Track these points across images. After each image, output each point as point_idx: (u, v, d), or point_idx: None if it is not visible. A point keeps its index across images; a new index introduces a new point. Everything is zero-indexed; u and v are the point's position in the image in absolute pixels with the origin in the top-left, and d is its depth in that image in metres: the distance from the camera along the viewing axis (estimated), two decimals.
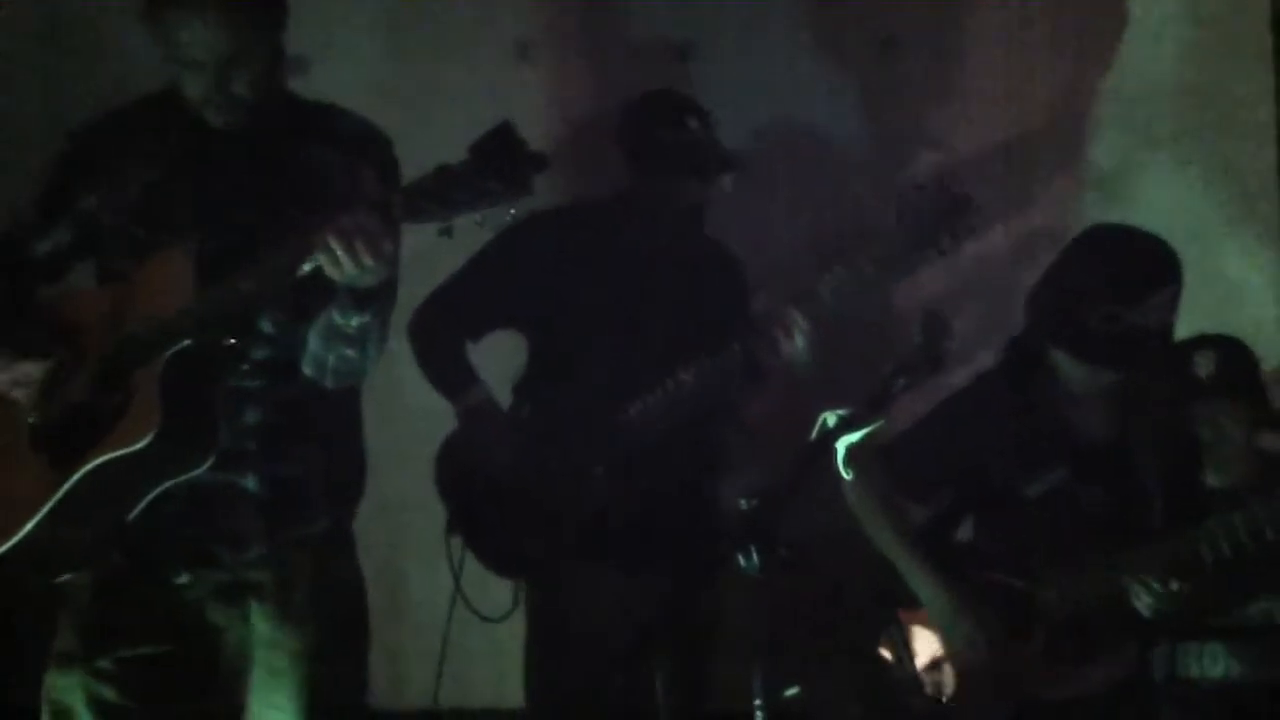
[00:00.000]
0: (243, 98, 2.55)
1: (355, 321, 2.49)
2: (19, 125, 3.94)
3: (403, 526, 3.91)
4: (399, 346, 3.53)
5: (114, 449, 2.47)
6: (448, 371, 3.54)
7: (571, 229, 3.58)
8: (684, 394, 3.33)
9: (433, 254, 3.57)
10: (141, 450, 2.45)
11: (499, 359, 3.60)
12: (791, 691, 3.01)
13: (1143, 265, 3.03)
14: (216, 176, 2.60)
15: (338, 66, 3.79)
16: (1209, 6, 3.94)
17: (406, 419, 3.72)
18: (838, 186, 4.04)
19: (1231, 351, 3.38)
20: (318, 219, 2.41)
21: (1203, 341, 3.34)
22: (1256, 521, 2.83)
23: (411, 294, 3.44)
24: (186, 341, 2.47)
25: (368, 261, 2.35)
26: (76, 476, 2.49)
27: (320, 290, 2.47)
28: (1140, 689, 3.11)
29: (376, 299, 2.46)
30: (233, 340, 2.52)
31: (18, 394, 2.56)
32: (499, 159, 2.31)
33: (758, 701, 2.46)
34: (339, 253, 2.35)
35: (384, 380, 3.47)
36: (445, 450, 3.56)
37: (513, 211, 2.36)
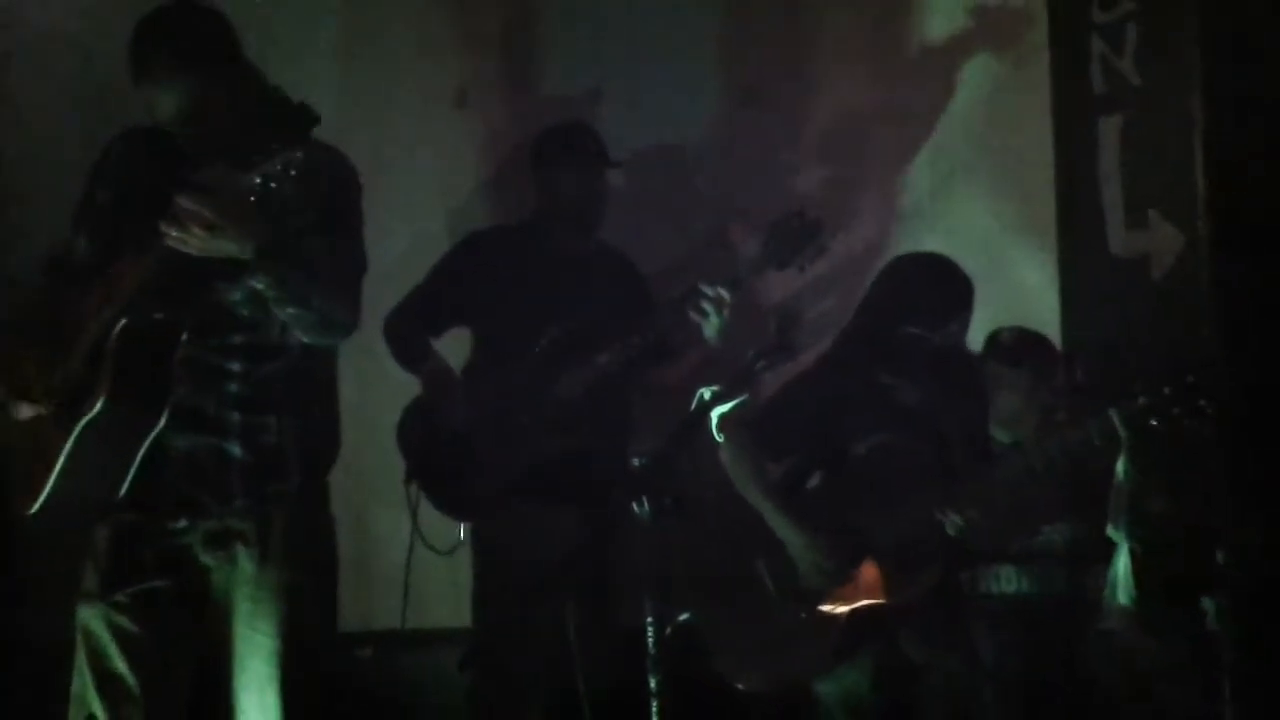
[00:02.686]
0: (208, 146, 2.48)
1: (260, 284, 2.43)
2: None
3: (370, 479, 3.87)
4: (373, 338, 3.56)
5: (84, 416, 2.43)
6: (412, 355, 3.56)
7: (502, 244, 3.62)
8: (601, 369, 3.34)
9: (405, 268, 3.66)
10: (101, 414, 2.40)
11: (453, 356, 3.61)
12: (683, 617, 3.02)
13: (942, 296, 3.12)
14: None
15: None
16: (1002, 67, 3.99)
17: (377, 396, 3.69)
18: (713, 202, 4.06)
19: (1027, 334, 3.46)
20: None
21: (1009, 328, 3.44)
22: (1031, 463, 2.91)
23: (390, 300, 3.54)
24: (124, 320, 2.42)
25: (199, 232, 2.32)
26: (70, 440, 2.44)
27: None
28: (952, 602, 3.17)
29: (262, 263, 2.39)
30: (159, 315, 2.44)
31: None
32: (278, 121, 2.27)
33: (649, 619, 2.47)
34: (173, 233, 2.33)
35: (363, 363, 3.50)
36: (406, 413, 3.57)
37: (294, 171, 2.29)
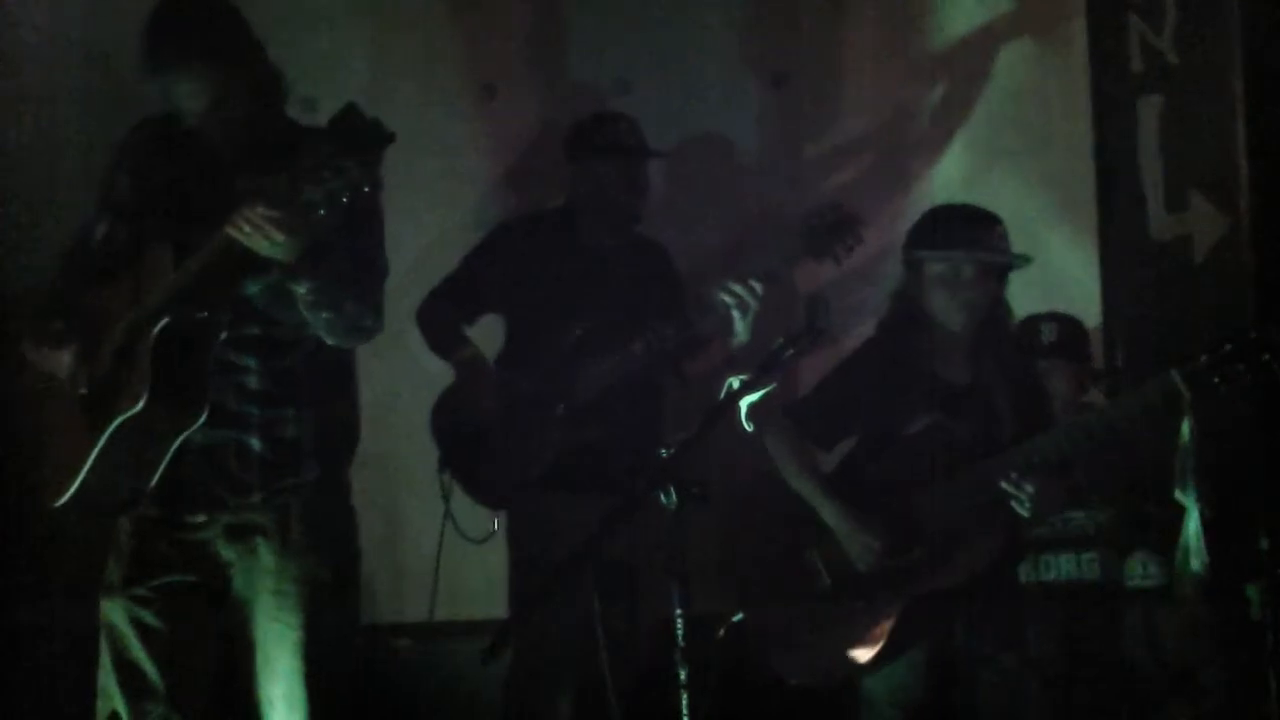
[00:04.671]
0: (228, 131, 2.49)
1: (303, 288, 2.42)
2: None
3: (403, 471, 3.86)
4: (404, 332, 3.54)
5: (122, 412, 2.42)
6: (446, 342, 3.53)
7: (535, 232, 3.58)
8: (632, 358, 3.31)
9: (435, 259, 3.66)
10: (141, 411, 2.39)
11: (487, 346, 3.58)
12: (737, 618, 2.94)
13: (974, 214, 3.10)
14: (216, 181, 2.51)
15: (339, 106, 3.72)
16: (1038, 48, 3.91)
17: (409, 389, 3.68)
18: (742, 191, 4.01)
19: (1069, 325, 3.41)
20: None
21: (1049, 316, 3.44)
22: (1065, 443, 2.83)
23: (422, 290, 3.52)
24: (165, 319, 2.41)
25: (276, 235, 2.31)
26: (104, 437, 2.43)
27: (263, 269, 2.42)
28: (1009, 596, 3.08)
29: (305, 268, 2.39)
30: (204, 314, 2.43)
31: (56, 370, 2.51)
32: (352, 138, 2.24)
33: (678, 611, 2.41)
34: (246, 229, 2.32)
35: (394, 354, 3.48)
36: (439, 402, 3.55)
37: (366, 189, 2.27)
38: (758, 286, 3.17)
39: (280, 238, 2.31)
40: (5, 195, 3.90)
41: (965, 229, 3.02)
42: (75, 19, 3.95)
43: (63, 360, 2.50)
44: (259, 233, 2.31)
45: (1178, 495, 3.08)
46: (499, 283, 3.53)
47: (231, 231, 2.33)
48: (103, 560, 2.60)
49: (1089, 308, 3.71)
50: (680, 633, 2.39)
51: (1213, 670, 3.16)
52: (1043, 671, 3.27)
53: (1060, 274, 3.83)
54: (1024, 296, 3.38)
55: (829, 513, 3.01)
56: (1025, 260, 3.10)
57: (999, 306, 3.07)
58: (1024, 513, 2.88)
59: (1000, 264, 3.05)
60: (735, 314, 3.18)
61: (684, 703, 2.38)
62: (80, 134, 3.85)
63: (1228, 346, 2.70)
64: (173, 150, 2.54)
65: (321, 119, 3.21)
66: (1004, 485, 2.87)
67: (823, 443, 3.12)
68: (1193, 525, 3.08)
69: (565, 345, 3.41)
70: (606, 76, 4.01)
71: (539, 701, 3.39)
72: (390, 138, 2.26)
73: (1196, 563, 3.06)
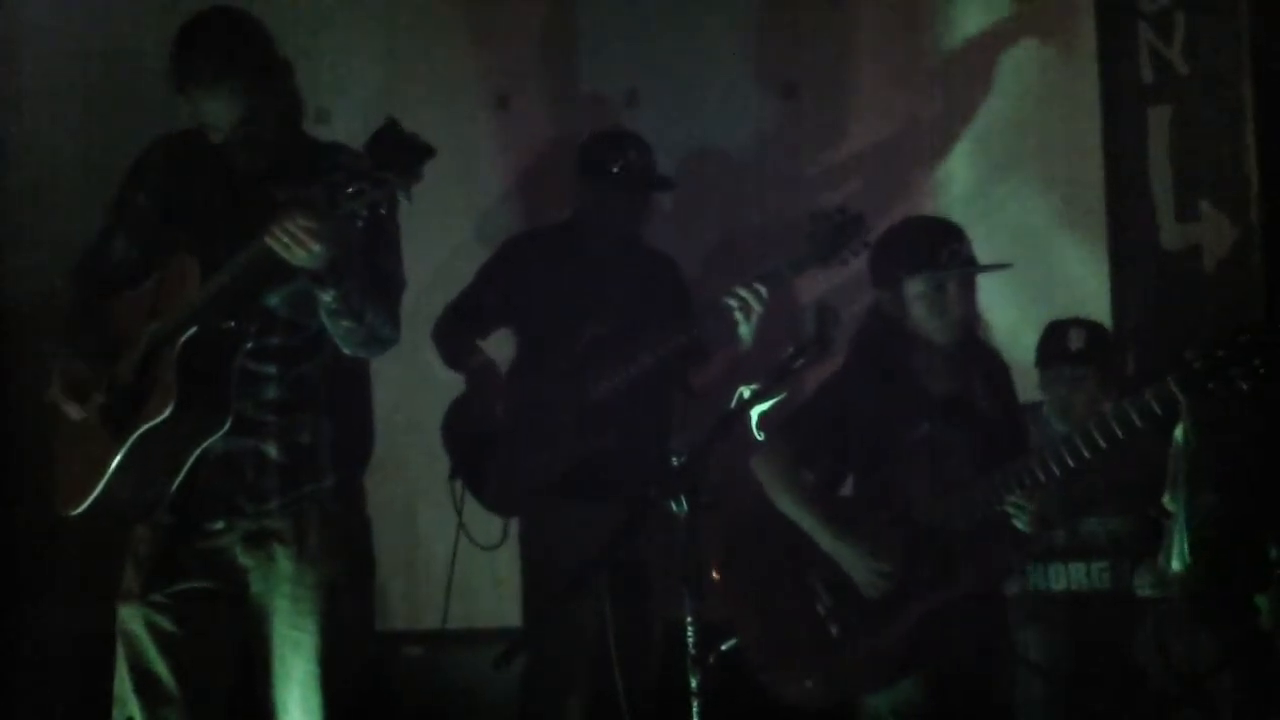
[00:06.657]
0: (255, 147, 2.52)
1: (328, 297, 2.45)
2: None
3: (416, 479, 3.88)
4: (418, 341, 3.56)
5: (146, 421, 2.44)
6: (458, 356, 3.57)
7: (544, 245, 3.62)
8: (641, 368, 3.33)
9: (449, 269, 3.68)
10: (166, 420, 2.42)
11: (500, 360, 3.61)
12: (728, 644, 2.92)
13: (945, 227, 3.07)
14: (240, 194, 2.55)
15: (352, 117, 3.75)
16: (1047, 58, 3.93)
17: (422, 397, 3.71)
18: (749, 203, 4.02)
19: (1095, 331, 3.43)
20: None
21: (1074, 321, 3.42)
22: (1089, 434, 2.80)
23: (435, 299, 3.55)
24: (193, 329, 2.44)
25: (315, 246, 2.34)
26: (126, 446, 2.46)
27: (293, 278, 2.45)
28: (999, 609, 3.07)
29: (332, 277, 2.42)
30: (231, 323, 2.47)
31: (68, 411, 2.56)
32: (391, 152, 2.27)
33: (689, 618, 2.42)
34: (285, 240, 2.35)
35: (407, 363, 3.51)
36: (450, 411, 3.58)
37: (406, 201, 2.32)
38: (762, 290, 3.20)
39: (318, 248, 2.34)
40: (5, 195, 3.93)
41: (942, 244, 2.96)
42: (75, 19, 3.98)
43: (75, 406, 2.54)
44: (297, 243, 2.34)
45: (1166, 500, 3.07)
46: (509, 298, 3.57)
47: (270, 242, 2.36)
48: (117, 566, 2.62)
49: (1100, 317, 3.71)
50: (692, 640, 2.40)
51: (1224, 679, 3.16)
52: (1053, 680, 3.28)
53: (1071, 283, 3.83)
54: (1035, 306, 3.40)
55: (828, 539, 2.96)
56: (1003, 267, 3.05)
57: (973, 314, 3.05)
58: (1025, 528, 2.86)
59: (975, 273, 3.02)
60: (739, 317, 3.21)
61: (695, 709, 2.39)
62: (80, 134, 3.88)
63: (1220, 352, 2.66)
64: (195, 165, 2.56)
65: (335, 129, 3.30)
66: (1005, 503, 2.83)
67: (811, 464, 3.06)
68: (1178, 528, 3.06)
69: (574, 353, 3.44)
70: (617, 87, 4.05)
71: (552, 707, 3.41)
72: (430, 152, 2.29)
73: (1178, 562, 3.05)
